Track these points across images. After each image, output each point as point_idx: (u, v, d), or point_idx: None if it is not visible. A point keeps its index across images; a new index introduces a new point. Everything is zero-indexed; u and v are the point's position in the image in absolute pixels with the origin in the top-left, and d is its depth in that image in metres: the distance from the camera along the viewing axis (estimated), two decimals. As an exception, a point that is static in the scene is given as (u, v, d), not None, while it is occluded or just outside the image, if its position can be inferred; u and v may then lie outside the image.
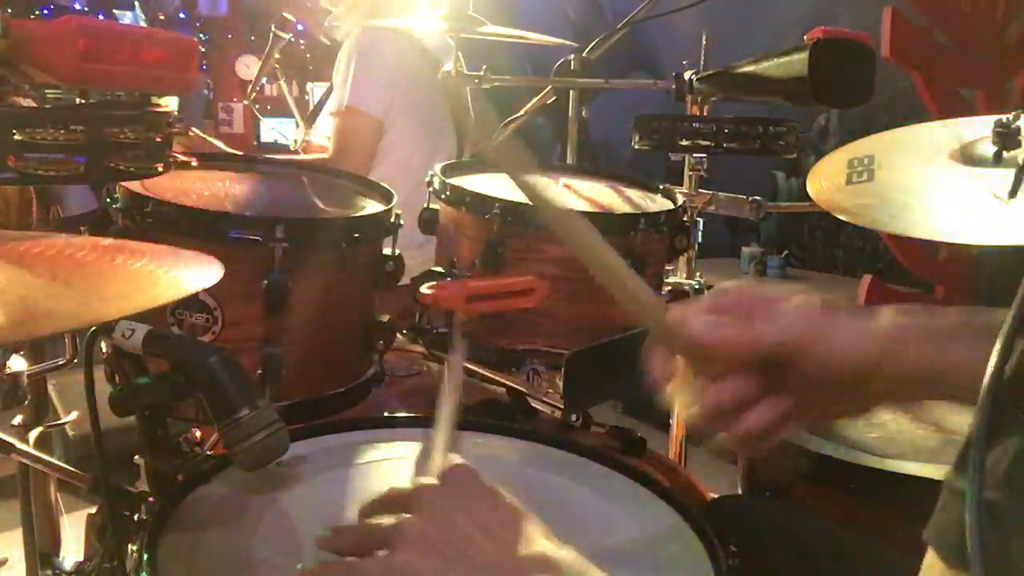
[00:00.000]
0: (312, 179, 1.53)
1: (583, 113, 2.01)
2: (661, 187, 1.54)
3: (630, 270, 0.75)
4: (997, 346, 0.45)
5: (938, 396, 0.77)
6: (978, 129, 1.24)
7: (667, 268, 1.51)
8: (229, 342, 1.13)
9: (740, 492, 1.32)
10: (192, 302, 1.13)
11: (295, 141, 2.97)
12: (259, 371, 1.15)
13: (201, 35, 6.18)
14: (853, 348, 0.69)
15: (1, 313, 0.63)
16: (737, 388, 0.71)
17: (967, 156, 1.21)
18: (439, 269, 1.34)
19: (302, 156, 2.77)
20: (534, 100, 2.02)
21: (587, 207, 1.42)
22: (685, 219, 1.47)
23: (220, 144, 2.54)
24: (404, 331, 1.41)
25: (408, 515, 0.65)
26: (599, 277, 0.74)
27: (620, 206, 1.46)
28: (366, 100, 2.46)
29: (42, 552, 1.38)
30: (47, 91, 1.06)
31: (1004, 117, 1.19)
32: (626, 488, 0.98)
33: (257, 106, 3.20)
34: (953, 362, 0.68)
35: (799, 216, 4.26)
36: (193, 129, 2.42)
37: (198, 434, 1.23)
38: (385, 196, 1.36)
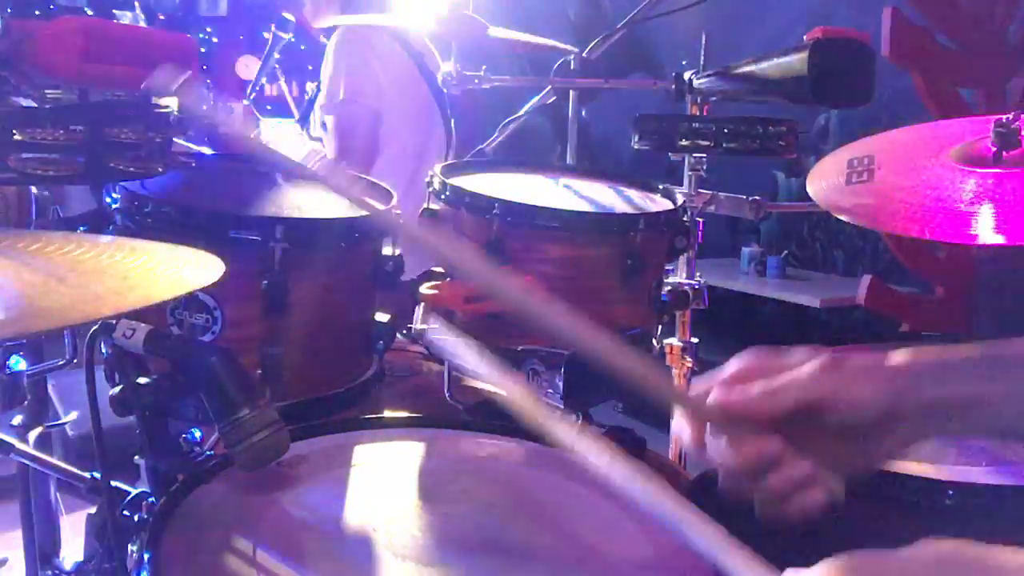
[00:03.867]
0: (312, 178, 1.53)
1: (583, 113, 2.01)
2: (661, 187, 1.54)
3: (639, 355, 0.79)
4: None
5: (962, 431, 0.78)
6: (978, 129, 1.24)
7: (667, 268, 1.51)
8: (229, 342, 1.12)
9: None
10: (192, 302, 1.13)
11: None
12: (259, 371, 1.15)
13: (201, 35, 6.18)
14: (869, 395, 0.71)
15: (1, 309, 0.63)
16: (761, 447, 0.72)
17: (967, 156, 1.21)
18: (439, 269, 1.33)
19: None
20: (534, 100, 2.02)
21: (587, 207, 1.42)
22: (685, 219, 1.46)
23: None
24: (404, 331, 1.41)
25: None
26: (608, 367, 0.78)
27: (620, 206, 1.46)
28: (362, 91, 2.45)
29: (42, 552, 1.38)
30: (47, 91, 1.06)
31: (1004, 117, 1.19)
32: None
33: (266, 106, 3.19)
34: (971, 397, 0.70)
35: (799, 216, 4.26)
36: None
37: (197, 434, 1.23)
38: (384, 196, 1.36)
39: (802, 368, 0.72)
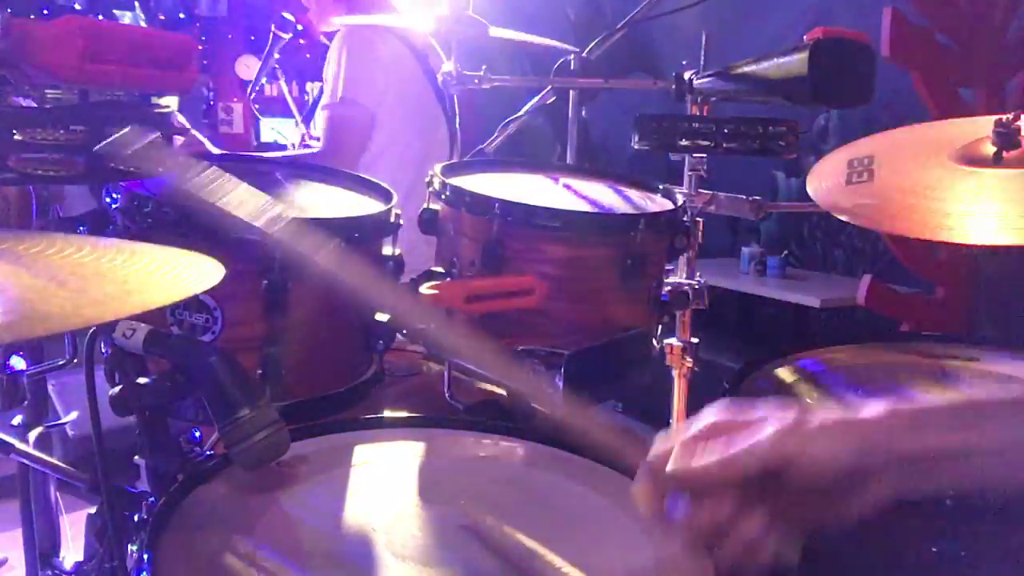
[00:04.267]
0: (312, 178, 1.53)
1: (583, 113, 2.00)
2: (661, 187, 1.54)
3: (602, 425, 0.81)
4: None
5: (945, 486, 0.77)
6: (978, 129, 1.24)
7: (667, 268, 1.51)
8: (229, 342, 1.13)
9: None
10: (192, 302, 1.13)
11: (292, 145, 2.98)
12: (259, 371, 1.15)
13: (201, 35, 6.18)
14: (834, 454, 0.69)
15: (0, 312, 0.63)
16: (716, 513, 0.71)
17: (967, 156, 1.21)
18: (439, 269, 1.33)
19: (295, 151, 2.76)
20: (534, 100, 2.02)
21: (587, 207, 1.42)
22: (685, 219, 1.46)
23: (210, 146, 2.52)
24: (404, 331, 1.41)
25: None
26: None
27: (620, 206, 1.46)
28: (360, 92, 2.45)
29: (42, 552, 1.38)
30: (47, 91, 1.06)
31: (1004, 117, 1.19)
32: (626, 488, 0.98)
33: (257, 106, 3.20)
34: (953, 448, 0.68)
35: (799, 216, 4.26)
36: (193, 131, 2.41)
37: (197, 434, 1.23)
38: (385, 196, 1.36)
39: (764, 432, 0.70)
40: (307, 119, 2.86)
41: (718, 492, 0.71)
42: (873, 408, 0.70)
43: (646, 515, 0.75)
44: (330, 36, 2.60)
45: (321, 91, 2.63)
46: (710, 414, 0.75)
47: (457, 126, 2.62)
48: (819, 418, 0.71)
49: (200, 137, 2.47)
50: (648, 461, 0.75)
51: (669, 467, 0.73)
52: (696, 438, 0.73)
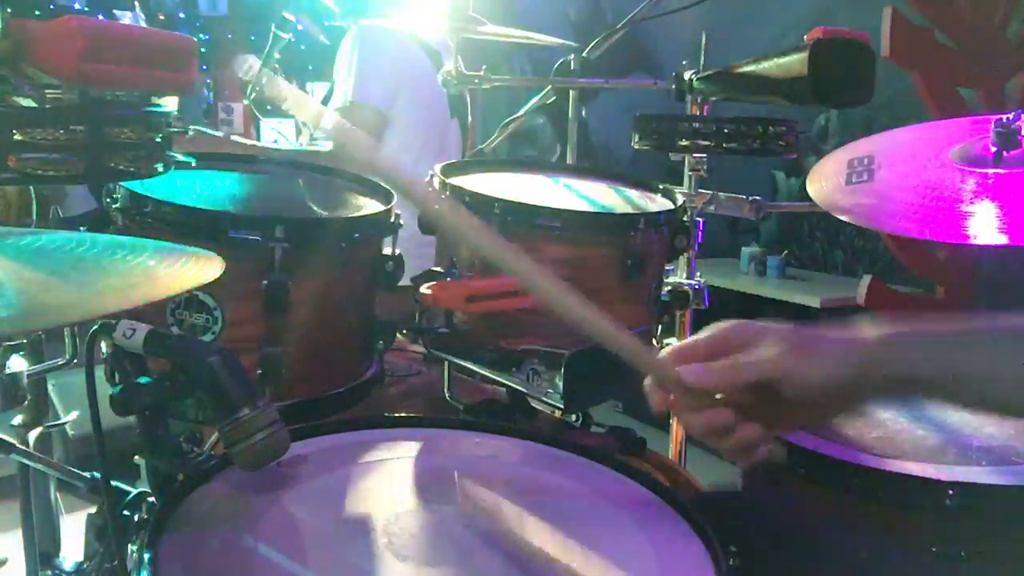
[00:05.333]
0: (312, 178, 1.53)
1: (583, 113, 2.00)
2: (661, 187, 1.54)
3: (620, 329, 0.85)
4: None
5: (939, 401, 0.82)
6: (978, 129, 1.24)
7: (667, 268, 1.51)
8: (229, 342, 1.13)
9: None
10: (192, 302, 1.13)
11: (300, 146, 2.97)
12: (259, 371, 1.15)
13: (201, 35, 6.18)
14: (829, 373, 0.74)
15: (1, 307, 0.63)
16: (714, 418, 0.79)
17: (967, 156, 1.21)
18: (439, 269, 1.33)
19: (302, 150, 2.75)
20: (534, 100, 2.02)
21: (587, 207, 1.42)
22: (685, 219, 1.46)
23: (221, 136, 2.51)
24: (404, 331, 1.41)
25: None
26: (591, 336, 0.84)
27: (620, 206, 1.46)
28: (370, 93, 2.44)
29: (42, 552, 1.38)
30: (47, 91, 1.06)
31: (1004, 117, 1.19)
32: (626, 488, 0.98)
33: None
34: (949, 372, 0.72)
35: (799, 216, 4.26)
36: (193, 127, 2.40)
37: (197, 434, 1.23)
38: (385, 196, 1.36)
39: (766, 349, 0.76)
40: None
41: (721, 397, 0.78)
42: (870, 330, 0.75)
43: (657, 409, 0.83)
44: (331, 36, 2.60)
45: (328, 91, 2.63)
46: (717, 327, 0.81)
47: (468, 123, 2.62)
48: (818, 340, 0.76)
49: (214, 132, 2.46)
50: (658, 364, 0.82)
51: (676, 371, 0.80)
52: (704, 349, 0.80)
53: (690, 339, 0.82)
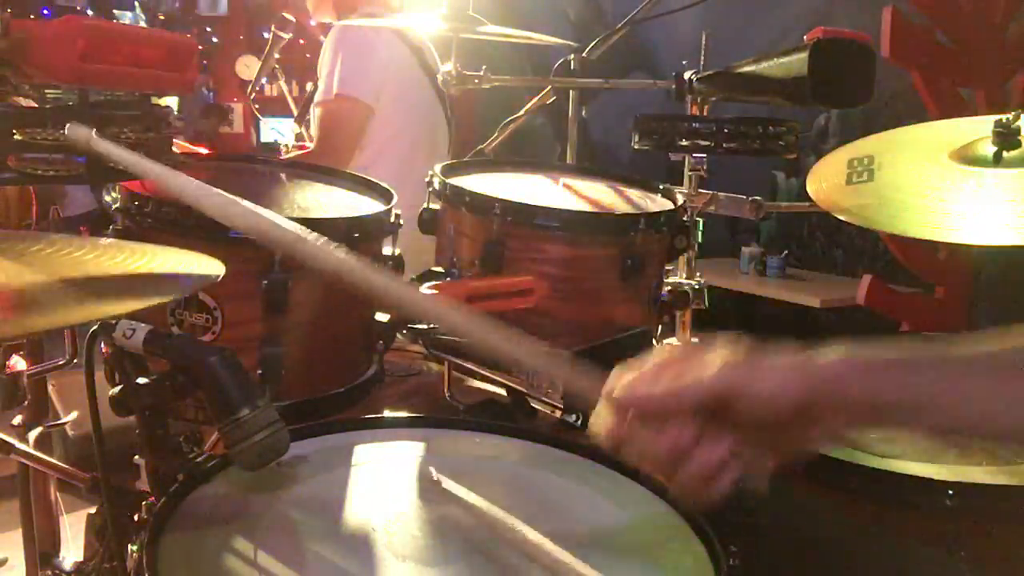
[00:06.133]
0: (312, 178, 1.53)
1: (583, 113, 2.00)
2: (661, 187, 1.54)
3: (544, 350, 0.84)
4: None
5: (900, 425, 0.78)
6: (978, 129, 1.24)
7: (667, 268, 1.51)
8: (229, 342, 1.13)
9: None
10: (192, 302, 1.13)
11: (285, 146, 2.97)
12: (259, 371, 1.15)
13: (201, 35, 6.19)
14: (780, 389, 0.71)
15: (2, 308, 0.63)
16: (674, 436, 0.73)
17: (967, 156, 1.21)
18: (439, 269, 1.33)
19: (292, 153, 2.75)
20: (534, 100, 2.01)
21: (587, 207, 1.42)
22: (685, 219, 1.46)
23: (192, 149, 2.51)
24: (404, 331, 1.41)
25: None
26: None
27: (620, 206, 1.46)
28: (355, 87, 2.43)
29: (42, 552, 1.38)
30: (47, 91, 1.06)
31: (1004, 117, 1.19)
32: (626, 488, 0.98)
33: (257, 106, 3.20)
34: (909, 400, 0.69)
35: (799, 216, 4.26)
36: (177, 142, 2.40)
37: (197, 434, 1.23)
38: (385, 196, 1.36)
39: (709, 365, 0.73)
40: (301, 116, 2.85)
41: (670, 420, 0.74)
42: (828, 353, 0.72)
43: (603, 444, 0.78)
44: (327, 31, 2.59)
45: (315, 85, 2.62)
46: (665, 350, 0.78)
47: (452, 125, 2.62)
48: (769, 357, 0.73)
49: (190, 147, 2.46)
50: (605, 391, 0.78)
51: (616, 393, 0.76)
52: (651, 371, 0.76)
53: (637, 363, 0.78)
